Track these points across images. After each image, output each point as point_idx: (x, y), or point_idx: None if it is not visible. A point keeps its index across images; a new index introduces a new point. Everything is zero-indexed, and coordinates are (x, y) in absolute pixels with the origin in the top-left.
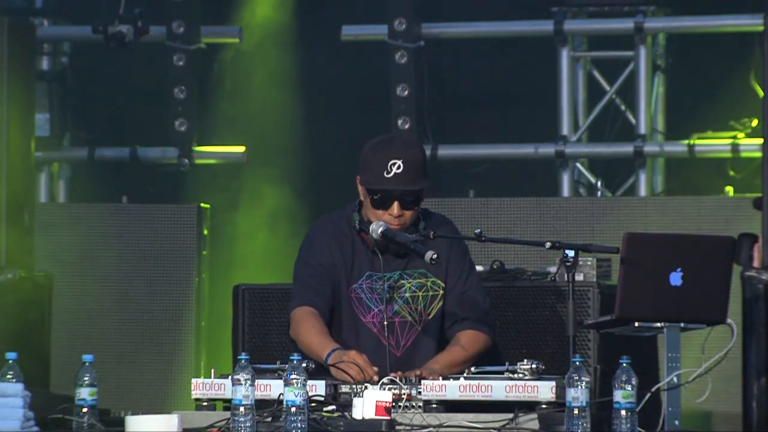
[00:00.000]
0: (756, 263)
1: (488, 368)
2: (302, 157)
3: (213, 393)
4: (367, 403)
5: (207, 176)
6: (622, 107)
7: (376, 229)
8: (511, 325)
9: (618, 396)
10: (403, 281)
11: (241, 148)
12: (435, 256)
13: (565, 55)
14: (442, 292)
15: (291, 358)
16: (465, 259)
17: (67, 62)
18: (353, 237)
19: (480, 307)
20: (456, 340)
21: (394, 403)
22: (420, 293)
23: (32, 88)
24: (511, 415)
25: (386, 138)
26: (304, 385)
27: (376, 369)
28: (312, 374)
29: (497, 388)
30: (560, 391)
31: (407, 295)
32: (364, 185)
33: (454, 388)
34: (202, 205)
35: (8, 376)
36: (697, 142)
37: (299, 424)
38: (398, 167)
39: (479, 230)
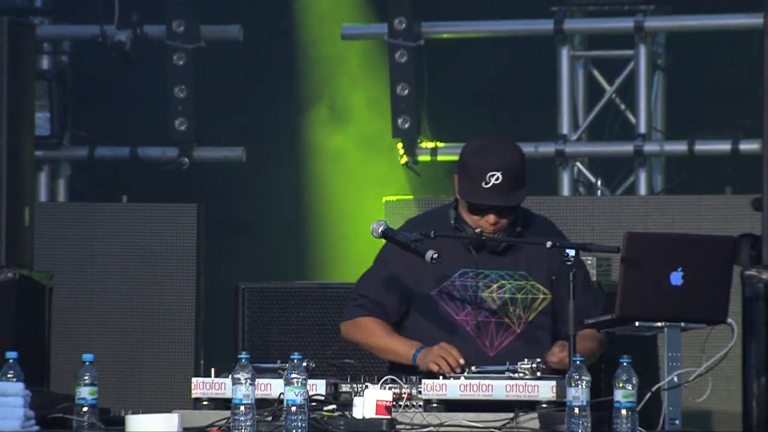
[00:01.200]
0: None
1: (489, 368)
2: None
3: (213, 392)
4: (368, 402)
5: (207, 175)
6: (622, 106)
7: (377, 228)
8: None
9: (618, 395)
10: (503, 282)
11: (240, 147)
12: (435, 256)
13: (564, 54)
14: (542, 296)
15: (291, 357)
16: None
17: (67, 62)
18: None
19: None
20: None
21: (394, 402)
22: (519, 295)
23: (32, 88)
24: (511, 415)
25: (487, 143)
26: (305, 384)
27: (461, 361)
28: (312, 373)
29: (498, 388)
30: (561, 391)
31: (507, 296)
32: (460, 194)
33: (455, 388)
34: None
35: (8, 376)
36: (697, 141)
37: (299, 424)
38: (497, 179)
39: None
